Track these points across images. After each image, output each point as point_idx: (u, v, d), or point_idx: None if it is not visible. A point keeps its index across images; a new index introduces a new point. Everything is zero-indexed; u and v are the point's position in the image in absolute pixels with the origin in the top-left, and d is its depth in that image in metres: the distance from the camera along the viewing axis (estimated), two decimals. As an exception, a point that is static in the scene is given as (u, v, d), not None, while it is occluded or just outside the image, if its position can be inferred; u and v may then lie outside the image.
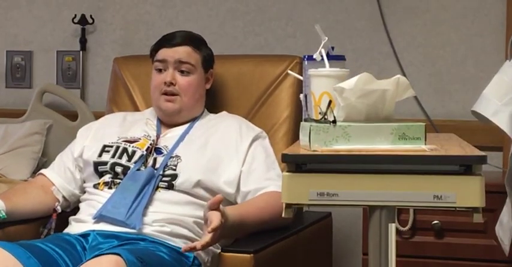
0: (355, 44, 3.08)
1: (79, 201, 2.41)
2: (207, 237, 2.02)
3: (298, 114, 2.52)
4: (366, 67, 3.01)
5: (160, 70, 2.46)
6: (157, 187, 2.29)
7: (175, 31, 2.53)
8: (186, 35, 2.51)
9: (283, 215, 1.60)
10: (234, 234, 2.19)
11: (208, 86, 2.53)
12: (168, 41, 2.48)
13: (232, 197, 2.32)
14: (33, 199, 2.37)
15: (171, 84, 2.42)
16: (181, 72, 2.44)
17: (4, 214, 2.21)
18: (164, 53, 2.46)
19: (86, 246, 2.19)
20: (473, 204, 1.54)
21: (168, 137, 2.42)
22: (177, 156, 2.34)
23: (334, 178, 1.57)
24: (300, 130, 1.73)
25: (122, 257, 1.92)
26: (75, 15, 3.34)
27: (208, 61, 2.51)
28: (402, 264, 2.35)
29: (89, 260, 1.98)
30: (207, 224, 2.03)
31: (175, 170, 2.30)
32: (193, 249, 2.04)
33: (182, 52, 2.45)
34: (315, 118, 1.73)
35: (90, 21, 3.35)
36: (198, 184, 2.29)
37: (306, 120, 1.78)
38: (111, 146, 2.39)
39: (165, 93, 2.43)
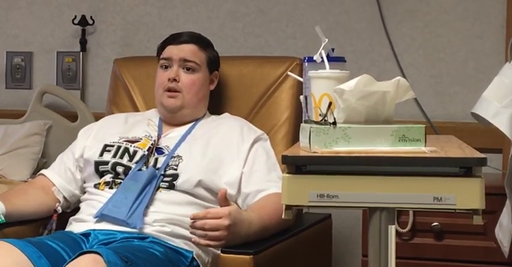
0: (355, 45, 3.08)
1: (79, 202, 2.41)
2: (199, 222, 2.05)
3: (298, 115, 2.52)
4: (366, 69, 3.01)
5: (165, 67, 2.47)
6: (159, 187, 2.29)
7: (183, 31, 2.54)
8: (193, 34, 2.52)
9: (283, 216, 1.61)
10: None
11: (212, 87, 2.53)
12: (174, 39, 2.49)
13: (233, 199, 2.31)
14: (34, 200, 2.37)
15: (174, 80, 2.43)
16: (186, 69, 2.45)
17: (3, 218, 2.21)
18: (170, 51, 2.47)
19: (87, 246, 2.19)
20: (473, 206, 1.54)
21: (170, 138, 2.42)
22: (178, 156, 2.34)
23: (334, 180, 1.57)
24: (300, 132, 1.73)
25: (102, 257, 1.91)
26: (76, 16, 3.34)
27: (213, 62, 2.51)
28: (402, 266, 2.35)
29: (71, 260, 1.97)
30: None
31: (176, 170, 2.31)
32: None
33: (188, 50, 2.46)
34: (315, 119, 1.73)
35: (91, 22, 3.35)
36: (199, 184, 2.29)
37: (306, 122, 1.78)
38: (112, 146, 2.39)
39: (168, 90, 2.43)
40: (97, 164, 2.38)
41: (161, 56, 2.49)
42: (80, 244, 2.19)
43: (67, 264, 1.96)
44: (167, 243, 2.20)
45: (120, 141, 2.41)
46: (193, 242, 2.14)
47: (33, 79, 3.46)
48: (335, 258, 2.90)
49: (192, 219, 2.07)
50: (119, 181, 2.32)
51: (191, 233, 2.09)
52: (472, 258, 2.59)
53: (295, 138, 2.33)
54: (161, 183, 2.29)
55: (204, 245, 2.11)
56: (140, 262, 2.01)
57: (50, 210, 2.38)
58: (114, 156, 2.37)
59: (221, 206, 2.09)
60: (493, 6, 2.95)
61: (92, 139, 2.46)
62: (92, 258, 1.91)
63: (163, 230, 2.22)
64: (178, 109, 2.44)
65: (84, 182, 2.43)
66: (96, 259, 1.91)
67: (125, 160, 2.35)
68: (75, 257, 1.96)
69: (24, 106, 3.33)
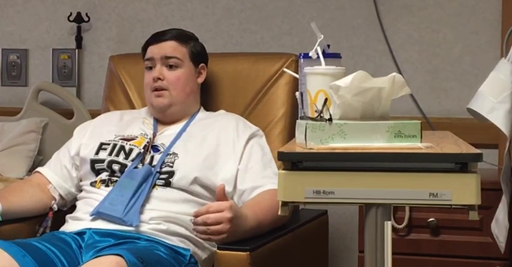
0: (351, 41, 3.08)
1: (75, 199, 2.41)
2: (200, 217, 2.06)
3: (294, 111, 2.52)
4: (362, 65, 3.01)
5: (150, 68, 2.47)
6: (155, 185, 2.29)
7: (163, 30, 2.54)
8: (172, 31, 2.52)
9: (279, 213, 1.61)
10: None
11: (200, 80, 2.52)
12: (154, 38, 2.50)
13: (229, 196, 2.31)
14: (30, 197, 2.36)
15: (159, 79, 2.43)
16: (169, 66, 2.45)
17: (0, 217, 2.21)
18: (151, 51, 2.47)
19: (82, 245, 2.20)
20: (469, 201, 1.54)
21: (165, 135, 2.42)
22: (174, 153, 2.34)
23: (330, 176, 1.57)
24: (295, 128, 1.73)
25: (124, 258, 1.92)
26: (71, 13, 3.34)
27: (197, 55, 2.50)
28: (398, 261, 2.34)
29: (89, 260, 1.98)
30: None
31: (172, 167, 2.31)
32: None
33: (167, 47, 2.46)
34: (310, 116, 1.73)
35: (86, 19, 3.35)
36: (195, 181, 2.29)
37: (301, 118, 1.78)
38: (108, 144, 2.39)
39: (155, 89, 2.44)
40: (93, 162, 2.37)
41: (144, 58, 2.49)
42: (70, 244, 2.18)
43: (83, 264, 1.97)
44: (164, 242, 2.20)
45: (116, 139, 2.41)
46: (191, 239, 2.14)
47: (29, 76, 3.46)
48: (331, 254, 2.90)
49: (194, 216, 2.07)
50: (115, 178, 2.32)
51: (193, 229, 2.10)
52: (468, 253, 2.59)
53: (291, 134, 2.32)
54: (157, 180, 2.29)
55: (206, 239, 2.12)
56: (152, 262, 2.02)
57: (45, 208, 2.38)
58: (110, 154, 2.36)
59: (219, 201, 2.09)
60: (489, 2, 2.95)
61: (87, 137, 2.46)
62: (115, 260, 1.92)
63: (159, 228, 2.22)
64: (167, 107, 2.44)
65: (81, 180, 2.43)
66: (118, 261, 1.91)
67: (121, 158, 2.35)
68: (92, 258, 1.97)
69: (20, 104, 3.33)
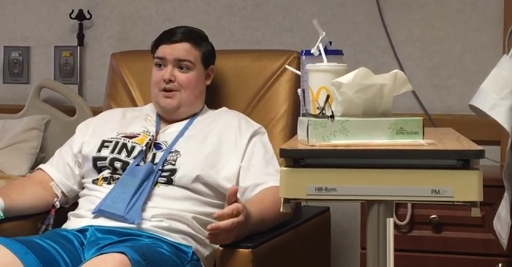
0: (352, 38, 3.08)
1: (77, 197, 2.41)
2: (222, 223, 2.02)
3: (296, 108, 2.52)
4: (364, 62, 3.01)
5: (159, 66, 2.46)
6: (157, 183, 2.29)
7: (176, 27, 2.52)
8: (185, 31, 2.49)
9: (281, 209, 1.61)
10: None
11: (208, 82, 2.53)
12: (167, 37, 2.47)
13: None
14: (32, 194, 2.36)
15: (170, 81, 2.42)
16: (181, 68, 2.44)
17: (2, 214, 2.21)
18: (163, 50, 2.45)
19: (84, 242, 2.20)
20: (471, 198, 1.54)
21: (168, 133, 2.42)
22: (176, 151, 2.34)
23: (332, 173, 1.57)
24: (297, 125, 1.73)
25: (127, 256, 1.92)
26: (73, 10, 3.34)
27: (208, 57, 2.50)
28: (400, 258, 2.34)
29: (93, 257, 1.97)
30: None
31: (174, 165, 2.31)
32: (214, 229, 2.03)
33: (181, 49, 2.44)
34: (312, 113, 1.73)
35: (88, 16, 3.34)
36: (197, 179, 2.29)
37: (303, 115, 1.78)
38: (111, 142, 2.39)
39: (164, 90, 2.43)
40: (95, 159, 2.37)
41: (155, 55, 2.48)
42: (73, 241, 2.18)
43: (87, 261, 1.96)
44: (166, 239, 2.20)
45: (118, 137, 2.41)
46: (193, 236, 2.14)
47: (31, 74, 3.46)
48: (334, 251, 2.90)
49: (216, 218, 2.04)
50: (117, 176, 2.32)
51: (212, 234, 2.05)
52: (470, 250, 2.59)
53: (293, 131, 2.33)
54: (159, 178, 2.29)
55: (214, 243, 2.11)
56: (155, 259, 2.02)
57: (48, 205, 2.38)
58: (112, 152, 2.37)
59: (231, 202, 2.07)
60: (490, -1, 2.95)
61: (90, 135, 2.46)
62: (118, 258, 1.91)
63: (161, 225, 2.22)
64: (176, 109, 2.44)
65: (83, 178, 2.43)
66: (122, 259, 1.91)
67: (123, 156, 2.35)
68: (95, 256, 1.97)
69: (22, 101, 3.33)
